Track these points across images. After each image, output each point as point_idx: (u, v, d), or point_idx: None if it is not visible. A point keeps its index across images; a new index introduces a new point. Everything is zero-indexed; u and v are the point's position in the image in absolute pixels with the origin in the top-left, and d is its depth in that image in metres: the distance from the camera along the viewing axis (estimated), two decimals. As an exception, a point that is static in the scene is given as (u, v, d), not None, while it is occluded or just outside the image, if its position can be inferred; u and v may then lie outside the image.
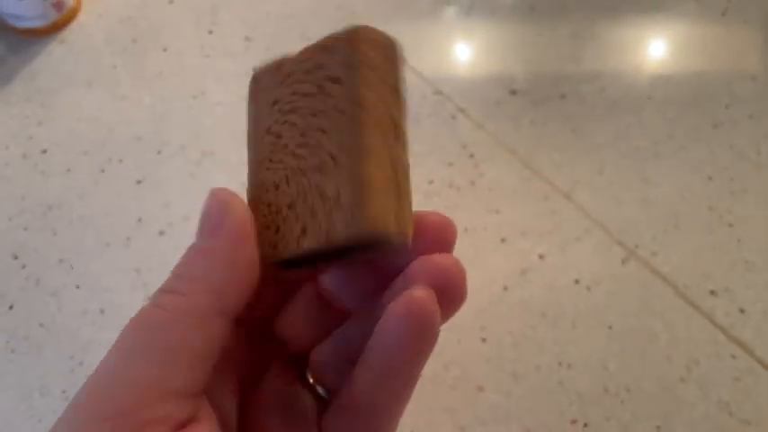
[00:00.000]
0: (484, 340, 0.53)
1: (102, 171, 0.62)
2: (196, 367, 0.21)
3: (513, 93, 0.64)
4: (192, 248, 0.23)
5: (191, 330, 0.21)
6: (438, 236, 0.24)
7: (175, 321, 0.21)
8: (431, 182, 0.60)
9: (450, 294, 0.23)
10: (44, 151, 0.63)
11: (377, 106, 0.22)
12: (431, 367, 0.55)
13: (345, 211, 0.20)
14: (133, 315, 0.21)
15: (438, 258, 0.23)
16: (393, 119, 0.22)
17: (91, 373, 0.21)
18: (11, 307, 0.55)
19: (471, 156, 0.61)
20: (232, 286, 0.22)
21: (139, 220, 0.58)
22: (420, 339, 0.22)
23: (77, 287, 0.56)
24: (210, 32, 0.70)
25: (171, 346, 0.20)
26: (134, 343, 0.21)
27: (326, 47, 0.23)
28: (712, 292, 0.54)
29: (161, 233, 0.58)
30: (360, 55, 0.22)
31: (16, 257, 0.58)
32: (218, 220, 0.22)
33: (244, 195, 0.25)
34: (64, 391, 0.52)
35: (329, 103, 0.22)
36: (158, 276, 0.23)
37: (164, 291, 0.22)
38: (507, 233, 0.57)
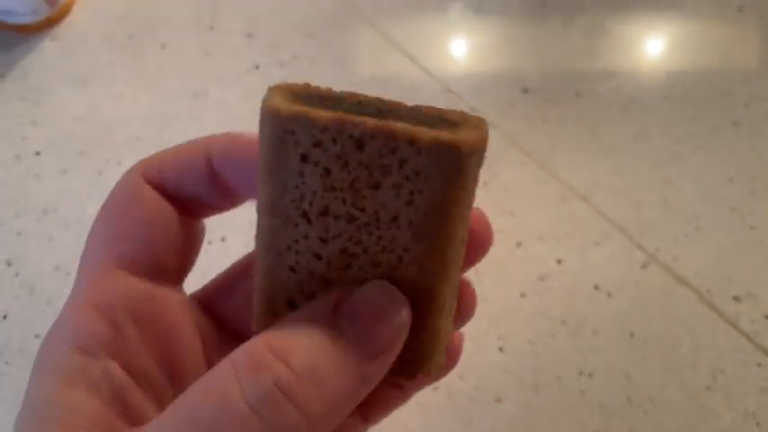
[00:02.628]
0: (501, 349, 0.51)
1: (100, 173, 0.59)
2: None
3: (526, 91, 0.62)
4: (346, 349, 0.17)
5: None
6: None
7: None
8: (442, 184, 0.58)
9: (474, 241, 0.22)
10: (38, 153, 0.61)
11: (461, 222, 0.19)
12: (446, 378, 0.53)
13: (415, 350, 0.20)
14: None
15: None
16: (464, 236, 0.21)
17: None
18: (4, 317, 0.53)
19: (484, 156, 0.59)
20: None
21: (139, 224, 0.56)
22: None
23: (75, 295, 0.53)
24: (211, 29, 0.68)
25: None
26: None
27: (414, 138, 0.18)
28: (736, 298, 0.52)
29: (162, 238, 0.55)
30: (456, 170, 0.18)
31: (10, 264, 0.55)
32: (393, 345, 0.18)
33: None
34: (62, 406, 0.49)
35: (404, 196, 0.19)
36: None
37: (284, 393, 0.16)
38: (523, 237, 0.55)
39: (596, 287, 0.53)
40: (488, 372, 0.50)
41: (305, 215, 0.19)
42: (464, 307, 0.23)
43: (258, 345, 0.17)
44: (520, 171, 0.58)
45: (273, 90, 0.20)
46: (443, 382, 0.50)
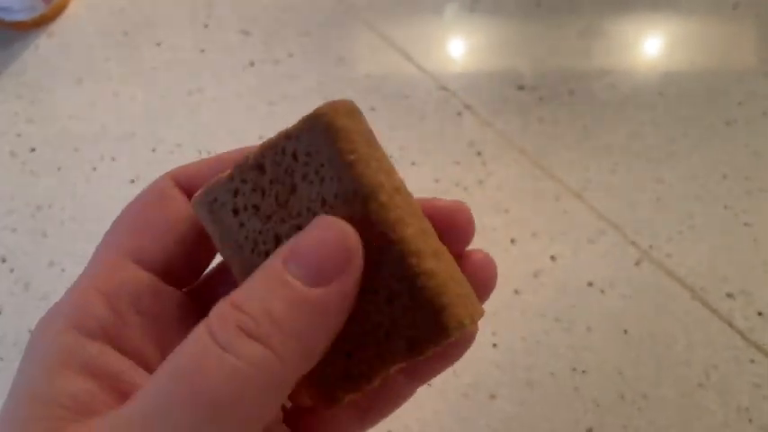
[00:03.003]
0: (495, 346, 0.51)
1: (95, 170, 0.59)
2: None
3: (521, 89, 0.62)
4: (282, 284, 0.18)
5: (267, 400, 0.18)
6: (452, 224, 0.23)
7: (256, 382, 0.17)
8: (437, 180, 0.58)
9: (455, 231, 0.23)
10: (33, 149, 0.61)
11: (375, 170, 0.20)
12: (441, 374, 0.53)
13: (423, 331, 0.21)
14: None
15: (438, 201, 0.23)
16: (395, 184, 0.21)
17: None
18: (-1, 313, 0.53)
19: (479, 154, 0.59)
20: (321, 350, 0.19)
21: (134, 221, 0.56)
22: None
23: (69, 292, 0.53)
24: (206, 26, 0.68)
25: (238, 416, 0.17)
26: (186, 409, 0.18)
27: (288, 133, 0.21)
28: (729, 295, 0.52)
29: (157, 235, 0.55)
30: (331, 129, 0.20)
31: (4, 260, 0.55)
32: (335, 270, 0.19)
33: None
34: (56, 402, 0.49)
35: (316, 179, 0.20)
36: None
37: (246, 334, 0.18)
38: (517, 234, 0.55)
39: (590, 284, 0.53)
40: (482, 368, 0.50)
41: (266, 253, 0.21)
42: (479, 279, 0.23)
43: (222, 304, 0.18)
44: (514, 169, 0.58)
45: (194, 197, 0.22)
46: (437, 379, 0.50)
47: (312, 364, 0.19)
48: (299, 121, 0.20)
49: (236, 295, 0.19)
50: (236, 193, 0.21)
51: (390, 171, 0.22)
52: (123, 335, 0.21)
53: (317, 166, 0.20)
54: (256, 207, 0.21)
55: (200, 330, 0.18)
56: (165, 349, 0.22)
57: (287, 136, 0.20)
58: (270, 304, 0.18)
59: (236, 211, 0.21)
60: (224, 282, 0.25)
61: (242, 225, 0.21)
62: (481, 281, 0.24)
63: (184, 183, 0.24)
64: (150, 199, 0.24)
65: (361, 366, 0.21)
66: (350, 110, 0.21)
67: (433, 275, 0.20)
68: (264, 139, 0.22)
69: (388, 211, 0.20)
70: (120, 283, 0.22)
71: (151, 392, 0.18)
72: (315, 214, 0.20)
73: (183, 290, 0.24)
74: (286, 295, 0.18)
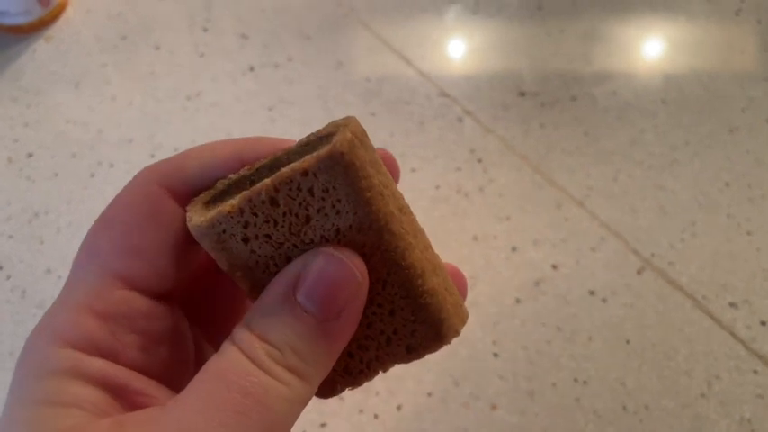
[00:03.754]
0: (496, 355, 0.50)
1: (92, 176, 0.59)
2: None
3: (522, 95, 0.62)
4: (303, 321, 0.20)
5: (295, 416, 0.20)
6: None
7: (292, 407, 0.20)
8: (437, 187, 0.57)
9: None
10: (30, 155, 0.60)
11: (386, 198, 0.21)
12: (441, 384, 0.53)
13: (422, 339, 0.22)
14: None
15: None
16: (400, 205, 0.22)
17: None
18: (-5, 321, 0.52)
19: (480, 161, 0.58)
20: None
21: (132, 227, 0.55)
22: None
23: (66, 299, 0.53)
24: (205, 30, 0.67)
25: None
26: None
27: (304, 170, 0.21)
28: (732, 304, 0.52)
29: (155, 242, 0.55)
30: (350, 169, 0.20)
31: (1, 268, 0.55)
32: (348, 302, 0.21)
33: None
34: (52, 411, 0.49)
35: (332, 212, 0.21)
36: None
37: (275, 364, 0.20)
38: (518, 242, 0.55)
39: (591, 293, 0.52)
40: (483, 378, 0.49)
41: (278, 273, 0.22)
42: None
43: (246, 334, 0.20)
44: (515, 176, 0.57)
45: (189, 210, 0.22)
46: (438, 388, 0.50)
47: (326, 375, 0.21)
48: (316, 159, 0.20)
49: (257, 326, 0.20)
50: (246, 224, 0.21)
51: (394, 192, 0.22)
52: (120, 353, 0.21)
53: (333, 200, 0.20)
54: (268, 236, 0.21)
55: (235, 355, 0.20)
56: (162, 362, 0.22)
57: (303, 172, 0.20)
58: (289, 338, 0.20)
59: (246, 240, 0.21)
60: (209, 285, 0.26)
61: (253, 252, 0.21)
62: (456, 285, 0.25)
63: (171, 184, 0.22)
64: (139, 208, 0.22)
65: (360, 365, 0.23)
66: (361, 136, 0.21)
67: (434, 294, 0.22)
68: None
69: (398, 239, 0.21)
70: (115, 304, 0.21)
71: (196, 406, 0.19)
72: (328, 241, 0.21)
73: (180, 310, 0.24)
74: (303, 332, 0.20)
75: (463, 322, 0.23)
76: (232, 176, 0.22)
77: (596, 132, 0.60)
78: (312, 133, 0.22)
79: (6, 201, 0.58)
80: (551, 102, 0.61)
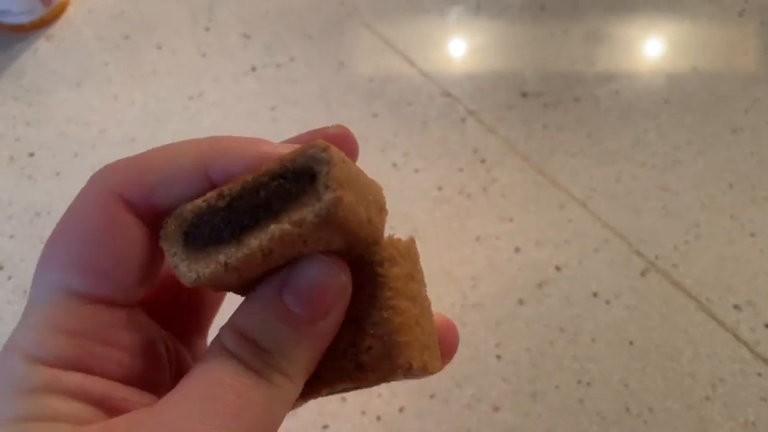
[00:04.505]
0: (499, 357, 0.50)
1: (94, 175, 0.59)
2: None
3: (525, 95, 0.62)
4: (290, 322, 0.20)
5: (283, 416, 0.20)
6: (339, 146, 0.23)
7: (281, 407, 0.20)
8: (440, 188, 0.57)
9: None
10: (32, 154, 0.60)
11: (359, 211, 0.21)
12: (444, 385, 0.52)
13: (373, 359, 0.22)
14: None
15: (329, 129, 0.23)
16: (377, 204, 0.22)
17: None
18: (-4, 321, 0.52)
19: (483, 161, 0.58)
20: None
21: (133, 227, 0.55)
22: None
23: (67, 299, 0.53)
24: (207, 29, 0.67)
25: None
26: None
27: (300, 232, 0.20)
28: (736, 306, 0.52)
29: (156, 242, 0.55)
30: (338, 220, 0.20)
31: (2, 268, 0.54)
32: (334, 305, 0.21)
33: None
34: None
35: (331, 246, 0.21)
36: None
37: (264, 366, 0.20)
38: (521, 243, 0.54)
39: (595, 294, 0.52)
40: (486, 380, 0.49)
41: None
42: (446, 347, 0.24)
43: (234, 335, 0.20)
44: (518, 176, 0.57)
45: (166, 246, 0.21)
46: (441, 389, 0.49)
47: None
48: (311, 225, 0.19)
49: (244, 327, 0.20)
50: (239, 270, 0.21)
51: (373, 195, 0.22)
52: (95, 366, 0.21)
53: (326, 239, 0.20)
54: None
55: (225, 357, 0.20)
56: (138, 369, 0.22)
57: (299, 235, 0.20)
58: (277, 339, 0.20)
59: (238, 276, 0.21)
60: (177, 288, 0.25)
61: (241, 277, 0.21)
62: (445, 341, 0.25)
63: (130, 196, 0.21)
64: (94, 220, 0.21)
65: (318, 372, 0.22)
66: (345, 172, 0.20)
67: (401, 313, 0.22)
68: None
69: (382, 250, 0.22)
70: (80, 320, 0.21)
71: (192, 408, 0.19)
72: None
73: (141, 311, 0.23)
74: (289, 333, 0.20)
75: (423, 364, 0.22)
76: (200, 203, 0.21)
77: (599, 133, 0.59)
78: (284, 158, 0.20)
79: (8, 200, 0.57)
80: (554, 102, 0.61)
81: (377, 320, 0.22)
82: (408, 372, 0.22)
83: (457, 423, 0.48)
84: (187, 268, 0.21)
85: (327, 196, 0.19)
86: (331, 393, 0.23)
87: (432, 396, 0.49)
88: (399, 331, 0.22)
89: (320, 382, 0.22)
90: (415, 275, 0.23)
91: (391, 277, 0.22)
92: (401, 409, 0.48)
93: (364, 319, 0.22)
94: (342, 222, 0.19)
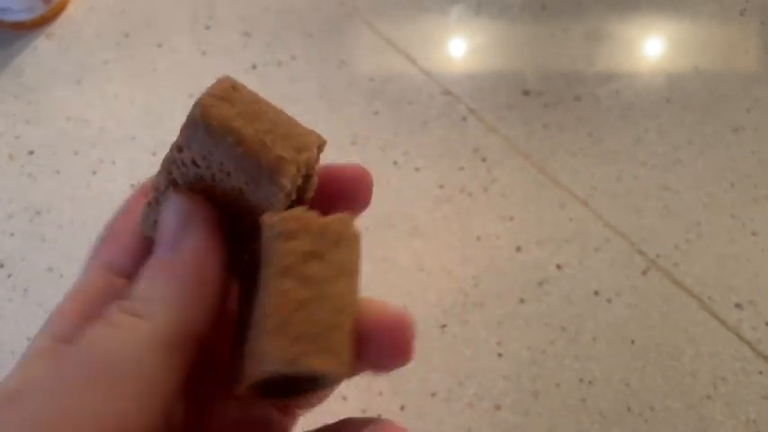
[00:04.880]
0: (500, 356, 0.50)
1: (94, 173, 0.59)
2: (156, 400, 0.19)
3: (526, 94, 0.62)
4: (148, 266, 0.20)
5: (150, 357, 0.19)
6: (355, 188, 0.23)
7: (133, 347, 0.19)
8: (441, 186, 0.57)
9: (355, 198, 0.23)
10: (32, 152, 0.60)
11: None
12: (445, 384, 0.52)
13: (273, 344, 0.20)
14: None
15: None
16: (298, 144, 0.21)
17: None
18: (-4, 319, 0.52)
19: (483, 160, 0.58)
20: (195, 307, 0.20)
21: (134, 225, 0.55)
22: None
23: (68, 298, 0.52)
24: (207, 28, 0.67)
25: (126, 376, 0.18)
26: (79, 372, 0.18)
27: (180, 147, 0.21)
28: (737, 305, 0.52)
29: (157, 240, 0.55)
30: (210, 128, 0.20)
31: (2, 266, 0.54)
32: (178, 233, 0.21)
33: None
34: (53, 410, 0.49)
35: (239, 182, 0.21)
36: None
37: (118, 312, 0.20)
38: (522, 242, 0.54)
39: (596, 293, 0.52)
40: (487, 378, 0.49)
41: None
42: (388, 346, 0.21)
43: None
44: (519, 175, 0.57)
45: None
46: (442, 388, 0.49)
47: (197, 327, 0.20)
48: (182, 128, 0.20)
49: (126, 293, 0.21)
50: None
51: (289, 132, 0.21)
52: None
53: (218, 164, 0.20)
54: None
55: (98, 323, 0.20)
56: None
57: (178, 148, 0.21)
58: (136, 286, 0.20)
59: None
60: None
61: None
62: (385, 339, 0.21)
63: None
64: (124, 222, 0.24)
65: (240, 361, 0.21)
66: (223, 93, 0.21)
67: (276, 294, 0.20)
68: None
69: (285, 221, 0.20)
70: (96, 292, 0.22)
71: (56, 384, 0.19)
72: (237, 206, 0.21)
73: None
74: (147, 273, 0.20)
75: (294, 361, 0.19)
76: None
77: (600, 132, 0.59)
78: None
79: (8, 198, 0.57)
80: (555, 102, 0.61)
81: (258, 302, 0.20)
82: (272, 365, 0.19)
83: (458, 421, 0.48)
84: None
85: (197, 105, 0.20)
86: (257, 387, 0.21)
87: (433, 394, 0.49)
88: (270, 315, 0.19)
89: (238, 373, 0.20)
90: (324, 256, 0.20)
91: (280, 252, 0.20)
92: (402, 408, 0.48)
93: (253, 302, 0.20)
94: (207, 131, 0.20)
